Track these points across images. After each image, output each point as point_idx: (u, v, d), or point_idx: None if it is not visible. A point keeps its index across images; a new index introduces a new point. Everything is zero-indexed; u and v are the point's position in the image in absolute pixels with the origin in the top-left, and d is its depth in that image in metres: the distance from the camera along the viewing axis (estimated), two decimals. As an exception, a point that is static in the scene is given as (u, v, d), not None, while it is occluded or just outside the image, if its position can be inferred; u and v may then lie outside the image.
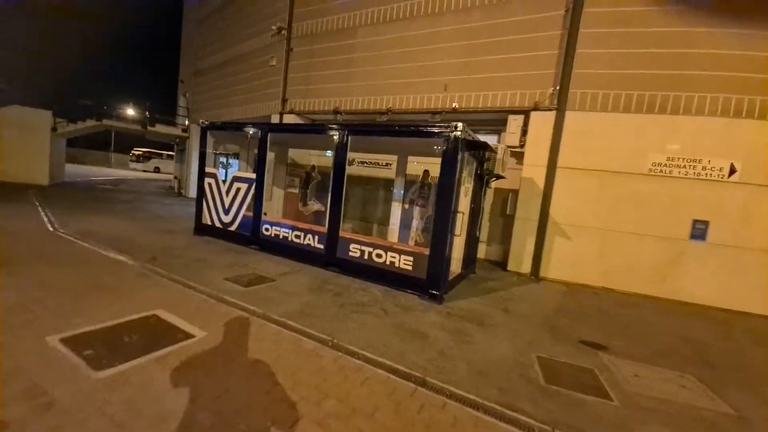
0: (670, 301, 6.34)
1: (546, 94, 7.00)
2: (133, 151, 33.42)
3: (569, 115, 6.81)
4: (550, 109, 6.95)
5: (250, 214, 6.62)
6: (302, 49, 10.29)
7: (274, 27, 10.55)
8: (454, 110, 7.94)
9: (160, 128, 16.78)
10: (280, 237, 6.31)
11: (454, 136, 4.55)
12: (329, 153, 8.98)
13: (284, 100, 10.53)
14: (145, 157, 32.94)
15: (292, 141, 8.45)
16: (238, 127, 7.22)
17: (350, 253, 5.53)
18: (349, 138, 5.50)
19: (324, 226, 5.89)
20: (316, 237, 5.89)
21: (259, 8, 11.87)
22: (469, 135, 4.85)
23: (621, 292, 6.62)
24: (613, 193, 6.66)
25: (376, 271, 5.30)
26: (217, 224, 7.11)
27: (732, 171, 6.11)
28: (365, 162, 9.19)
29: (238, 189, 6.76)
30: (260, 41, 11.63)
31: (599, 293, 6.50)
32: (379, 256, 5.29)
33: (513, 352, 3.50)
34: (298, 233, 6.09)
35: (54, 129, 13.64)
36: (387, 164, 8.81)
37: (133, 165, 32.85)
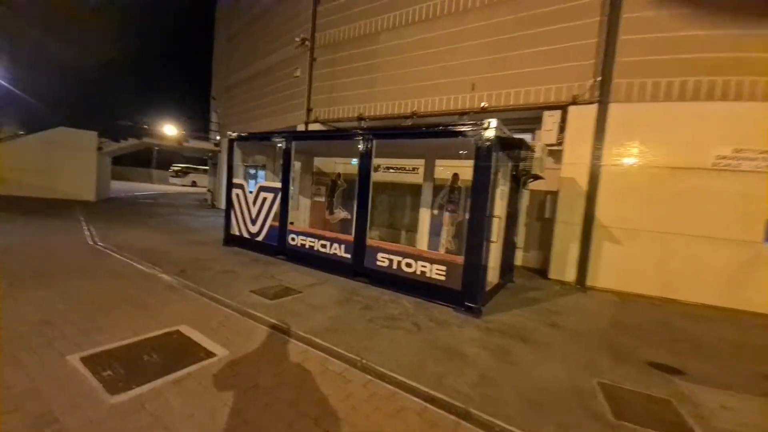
0: (743, 313, 5.50)
1: (585, 86, 6.45)
2: (172, 167, 35.35)
3: (614, 108, 6.21)
4: (591, 103, 6.37)
5: (277, 224, 6.53)
6: (325, 58, 10.31)
7: (297, 38, 10.67)
8: (484, 110, 7.53)
9: (194, 143, 17.53)
10: (306, 246, 6.15)
11: (488, 134, 4.17)
12: (354, 161, 8.83)
13: (309, 110, 10.56)
14: (183, 173, 34.74)
15: (317, 149, 8.37)
16: (263, 137, 7.22)
17: (378, 263, 5.25)
18: (374, 142, 5.26)
19: (351, 234, 5.66)
20: (343, 246, 5.66)
21: (284, 22, 12.10)
22: (504, 133, 4.45)
23: (685, 303, 5.85)
24: (670, 192, 5.94)
25: (406, 282, 4.97)
26: (245, 235, 7.09)
27: (817, 161, 5.25)
28: (391, 167, 8.94)
29: (265, 199, 6.71)
30: (285, 53, 11.82)
31: (659, 305, 5.77)
32: (408, 265, 4.96)
33: (568, 376, 3.03)
34: (324, 242, 5.89)
35: (99, 148, 14.56)
36: (414, 169, 8.51)
37: (172, 180, 34.70)
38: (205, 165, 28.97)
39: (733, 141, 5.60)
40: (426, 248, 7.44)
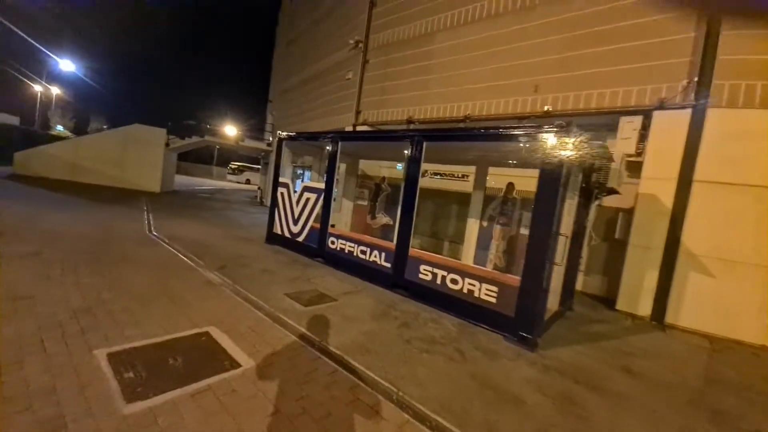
0: None
1: (677, 88, 5.50)
2: (230, 165, 37.83)
3: (713, 114, 5.21)
4: (683, 107, 5.42)
5: (318, 225, 6.38)
6: (378, 59, 10.15)
7: (351, 41, 10.65)
8: (547, 114, 6.80)
9: (249, 143, 18.42)
10: (346, 251, 5.90)
11: (566, 133, 3.59)
12: (400, 166, 8.51)
13: (358, 112, 10.46)
14: (239, 170, 36.98)
15: (363, 152, 8.17)
16: (310, 137, 7.15)
17: (420, 276, 4.82)
18: (424, 145, 4.87)
19: (392, 241, 5.30)
20: (383, 254, 5.32)
21: (340, 25, 12.21)
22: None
23: (800, 358, 4.68)
24: (786, 218, 4.82)
25: (449, 300, 4.48)
26: (287, 234, 7.04)
27: None
28: (438, 173, 8.46)
29: (308, 199, 6.60)
30: (339, 56, 11.90)
31: (761, 355, 4.67)
32: (454, 281, 4.47)
33: (658, 447, 2.38)
34: (364, 248, 5.59)
35: (167, 144, 15.78)
36: (463, 176, 7.96)
37: (229, 177, 37.08)
38: (258, 164, 30.56)
39: None
40: (472, 262, 6.88)
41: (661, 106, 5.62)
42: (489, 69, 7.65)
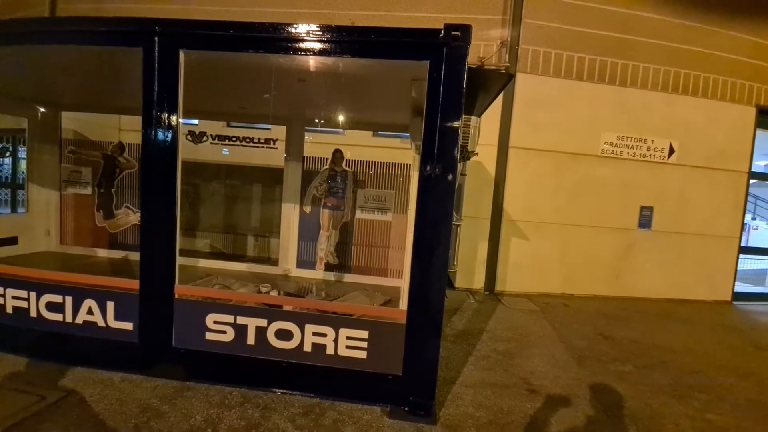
0: (627, 300, 5.52)
1: (493, 47, 5.21)
2: None
3: (521, 79, 5.19)
4: (499, 69, 5.18)
5: None
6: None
7: None
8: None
9: None
10: (8, 310, 2.48)
11: (457, 48, 2.01)
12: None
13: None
14: None
15: (62, 91, 4.25)
16: None
17: (209, 335, 2.33)
18: (181, 58, 2.25)
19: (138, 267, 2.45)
20: (111, 305, 2.39)
21: None
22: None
23: (581, 297, 5.51)
24: (571, 180, 5.43)
25: (277, 369, 2.31)
26: None
27: (671, 151, 5.63)
28: (229, 138, 5.51)
29: None
30: None
31: (568, 304, 5.18)
32: (283, 335, 2.29)
33: None
34: (56, 299, 2.42)
35: None
36: (270, 141, 5.48)
37: None
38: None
39: (617, 128, 5.47)
40: (296, 263, 4.84)
41: (481, 65, 5.22)
42: (289, -12, 5.41)
